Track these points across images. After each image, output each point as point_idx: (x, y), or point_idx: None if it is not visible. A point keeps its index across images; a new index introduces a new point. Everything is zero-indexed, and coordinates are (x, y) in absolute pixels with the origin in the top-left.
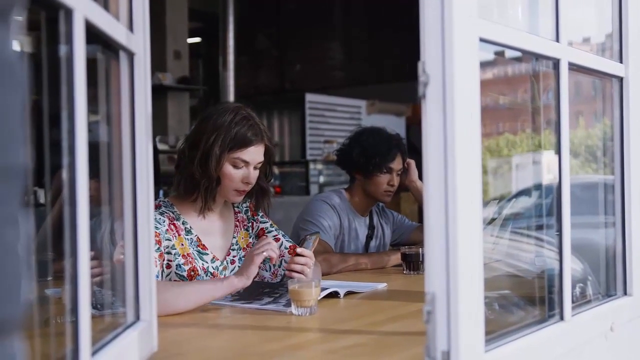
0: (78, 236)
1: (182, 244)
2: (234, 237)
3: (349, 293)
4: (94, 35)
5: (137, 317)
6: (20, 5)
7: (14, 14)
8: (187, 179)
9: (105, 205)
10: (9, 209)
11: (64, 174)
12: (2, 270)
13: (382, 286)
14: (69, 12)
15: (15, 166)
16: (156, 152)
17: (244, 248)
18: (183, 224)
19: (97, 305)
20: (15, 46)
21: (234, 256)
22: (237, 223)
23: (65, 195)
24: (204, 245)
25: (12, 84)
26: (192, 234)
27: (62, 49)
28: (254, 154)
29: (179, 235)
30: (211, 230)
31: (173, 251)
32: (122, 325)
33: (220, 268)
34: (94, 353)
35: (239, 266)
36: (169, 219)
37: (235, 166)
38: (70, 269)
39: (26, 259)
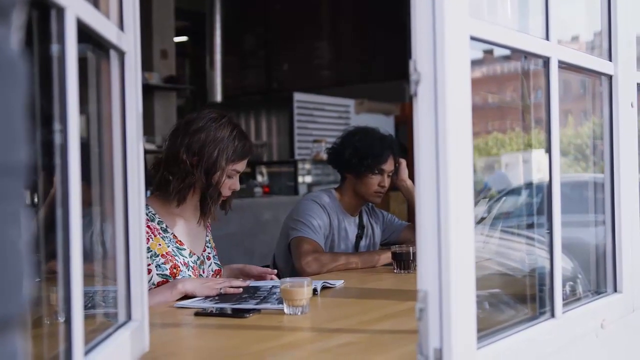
0: (70, 236)
1: (160, 244)
2: (207, 236)
3: (324, 288)
4: (84, 34)
5: (129, 317)
6: (21, 4)
7: (14, 12)
8: (187, 187)
9: (95, 205)
10: (12, 206)
11: (57, 175)
12: (5, 267)
13: (339, 283)
14: (60, 11)
15: (17, 164)
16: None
17: (213, 247)
18: (158, 223)
19: (87, 304)
20: (16, 45)
21: (208, 253)
22: (208, 224)
23: (56, 196)
24: (180, 241)
25: (14, 83)
26: (168, 232)
27: (54, 48)
28: (245, 164)
29: (155, 236)
30: (187, 229)
31: (149, 253)
32: (114, 325)
33: (198, 262)
34: (86, 353)
35: (214, 262)
36: None
37: (229, 176)
38: (63, 269)
39: (27, 256)
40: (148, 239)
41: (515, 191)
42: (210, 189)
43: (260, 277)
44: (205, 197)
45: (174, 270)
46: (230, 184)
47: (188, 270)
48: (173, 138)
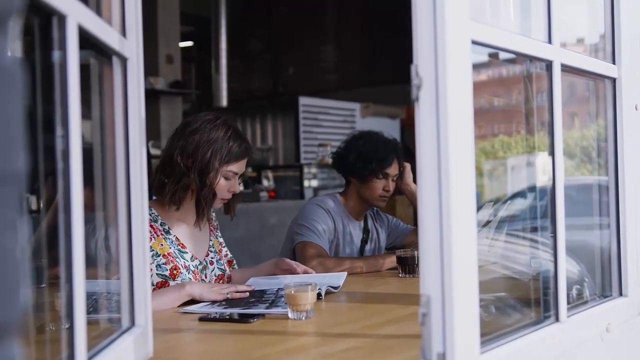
0: (73, 242)
1: (162, 244)
2: (210, 240)
3: (328, 293)
4: (86, 40)
5: (133, 323)
6: (17, 11)
7: (11, 20)
8: (182, 189)
9: (99, 211)
10: (9, 214)
11: (59, 180)
12: (2, 275)
13: (343, 277)
14: (62, 18)
15: (14, 172)
16: (149, 157)
17: (218, 251)
18: (161, 225)
19: (90, 309)
20: (14, 53)
21: (212, 258)
22: (211, 228)
23: (59, 202)
24: (183, 244)
25: (12, 91)
26: (171, 234)
27: (56, 55)
28: (243, 165)
29: (158, 236)
30: (189, 234)
31: (151, 252)
32: (117, 330)
33: (200, 267)
34: (89, 359)
35: (217, 267)
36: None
37: (226, 178)
38: (65, 275)
39: (24, 263)
40: (150, 238)
41: (521, 194)
42: (204, 190)
43: (291, 270)
44: (200, 199)
45: (174, 272)
46: (228, 186)
47: (188, 273)
48: (170, 141)
